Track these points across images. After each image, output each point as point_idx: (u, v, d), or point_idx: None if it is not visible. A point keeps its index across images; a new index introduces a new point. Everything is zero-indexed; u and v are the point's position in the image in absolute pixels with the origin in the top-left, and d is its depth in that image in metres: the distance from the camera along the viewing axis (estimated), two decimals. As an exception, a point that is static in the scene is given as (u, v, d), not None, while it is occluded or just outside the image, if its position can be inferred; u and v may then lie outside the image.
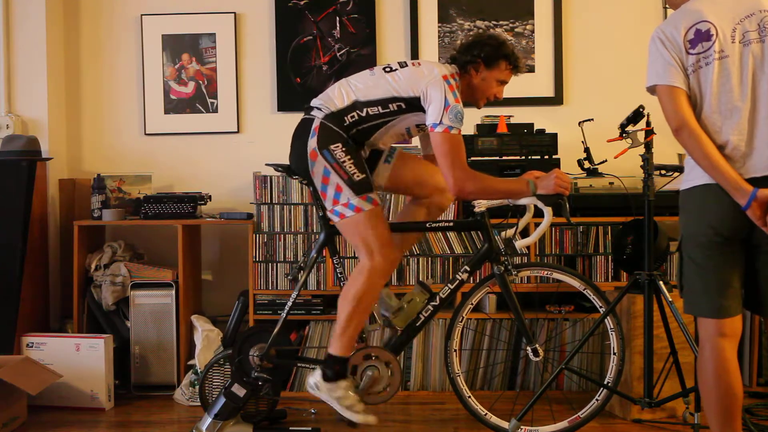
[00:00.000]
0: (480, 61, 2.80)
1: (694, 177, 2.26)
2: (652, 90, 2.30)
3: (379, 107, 2.75)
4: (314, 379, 2.79)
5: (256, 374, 2.95)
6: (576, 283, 3.00)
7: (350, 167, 2.70)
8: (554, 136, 3.75)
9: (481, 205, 2.93)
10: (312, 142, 2.72)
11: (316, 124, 2.74)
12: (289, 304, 2.96)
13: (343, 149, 2.71)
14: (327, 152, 2.71)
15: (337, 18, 4.15)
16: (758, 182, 2.15)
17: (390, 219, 3.57)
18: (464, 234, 3.64)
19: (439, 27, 4.16)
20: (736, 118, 2.20)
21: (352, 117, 2.75)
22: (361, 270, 2.74)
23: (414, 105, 2.75)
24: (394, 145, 3.00)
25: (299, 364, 3.10)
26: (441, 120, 2.66)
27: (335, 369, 2.76)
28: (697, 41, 2.22)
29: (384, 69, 2.81)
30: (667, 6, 3.24)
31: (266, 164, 3.18)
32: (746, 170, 2.19)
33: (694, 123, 2.20)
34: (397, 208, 3.68)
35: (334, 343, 2.77)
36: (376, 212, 2.74)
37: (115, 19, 4.23)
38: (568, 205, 2.82)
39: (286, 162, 2.93)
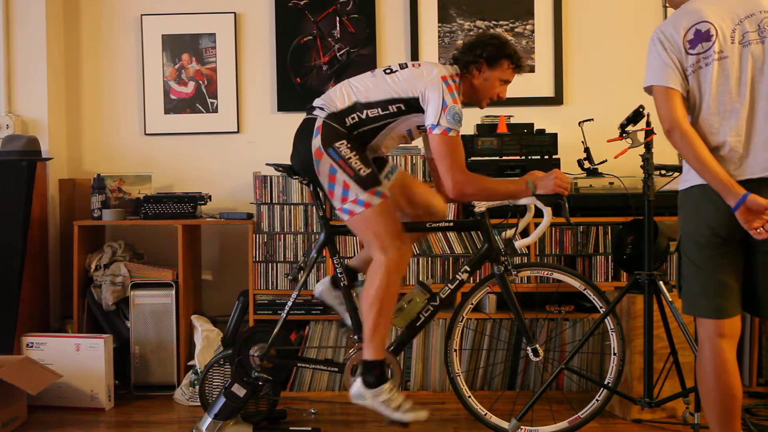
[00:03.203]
0: (482, 60, 2.80)
1: (691, 177, 2.26)
2: (649, 90, 2.30)
3: (379, 109, 2.75)
4: (356, 389, 2.76)
5: (256, 374, 2.95)
6: (576, 283, 3.00)
7: (356, 163, 2.70)
8: (554, 136, 3.75)
9: (481, 206, 2.93)
10: (316, 141, 2.72)
11: (318, 123, 2.74)
12: (289, 304, 2.96)
13: (348, 146, 2.71)
14: (332, 150, 2.70)
15: (337, 18, 4.15)
16: (755, 183, 2.16)
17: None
18: (464, 234, 3.64)
19: (439, 27, 4.16)
20: (734, 120, 2.20)
21: (353, 119, 2.75)
22: (377, 268, 2.71)
23: (413, 106, 2.75)
24: (395, 160, 2.99)
25: (299, 364, 3.09)
26: (439, 122, 2.66)
27: (375, 374, 2.73)
28: (697, 41, 2.22)
29: (384, 71, 2.82)
30: (666, 5, 3.24)
31: (266, 164, 3.18)
32: (743, 171, 2.18)
33: (686, 125, 2.20)
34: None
35: (367, 349, 2.74)
36: (386, 205, 2.73)
37: (115, 19, 4.23)
38: (567, 205, 2.82)
39: (287, 162, 2.93)
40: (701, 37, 2.21)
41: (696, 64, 2.22)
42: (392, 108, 2.75)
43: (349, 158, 2.70)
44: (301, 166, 2.83)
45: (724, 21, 2.22)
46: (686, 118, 2.21)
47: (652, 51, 2.27)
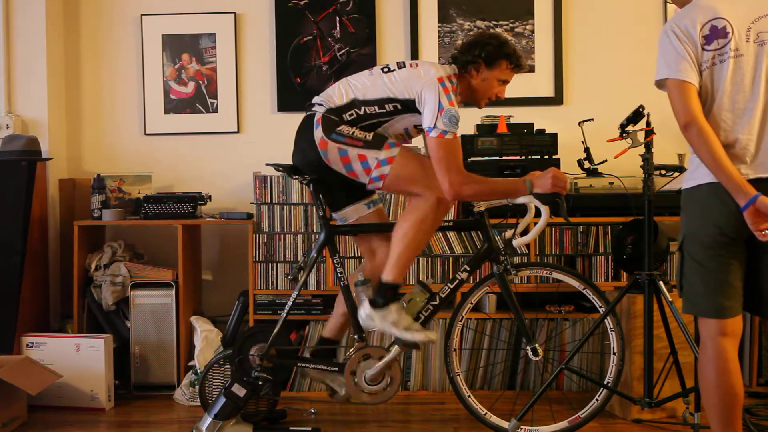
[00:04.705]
0: (481, 61, 2.80)
1: (699, 175, 2.25)
2: (661, 84, 2.27)
3: (376, 107, 2.77)
4: (365, 311, 2.78)
5: (256, 374, 2.95)
6: (576, 283, 3.00)
7: (360, 134, 2.74)
8: (554, 136, 3.75)
9: (480, 205, 2.93)
10: (318, 133, 2.75)
11: (318, 117, 2.77)
12: (289, 304, 2.96)
13: (348, 125, 2.76)
14: (335, 135, 2.74)
15: (337, 18, 4.15)
16: (765, 183, 2.15)
17: (391, 219, 3.57)
18: (464, 234, 3.64)
19: (439, 27, 4.16)
20: (747, 118, 2.19)
21: (351, 115, 2.77)
22: (422, 201, 2.73)
23: (409, 107, 2.76)
24: (378, 195, 3.02)
25: (299, 364, 3.09)
26: (435, 124, 2.67)
27: (387, 295, 2.75)
28: (713, 38, 2.21)
29: (382, 69, 2.82)
30: (668, 1, 3.22)
31: (266, 164, 3.18)
32: (754, 169, 2.18)
33: (703, 120, 2.18)
34: (397, 209, 3.68)
35: (389, 271, 2.76)
36: (406, 150, 2.77)
37: (115, 19, 4.23)
38: (565, 204, 2.82)
39: (287, 162, 2.94)
40: (717, 33, 2.21)
41: (711, 60, 2.21)
42: (388, 107, 2.76)
43: (353, 133, 2.74)
44: (305, 162, 2.83)
45: (739, 19, 2.21)
46: (702, 114, 2.19)
47: (665, 43, 2.24)
